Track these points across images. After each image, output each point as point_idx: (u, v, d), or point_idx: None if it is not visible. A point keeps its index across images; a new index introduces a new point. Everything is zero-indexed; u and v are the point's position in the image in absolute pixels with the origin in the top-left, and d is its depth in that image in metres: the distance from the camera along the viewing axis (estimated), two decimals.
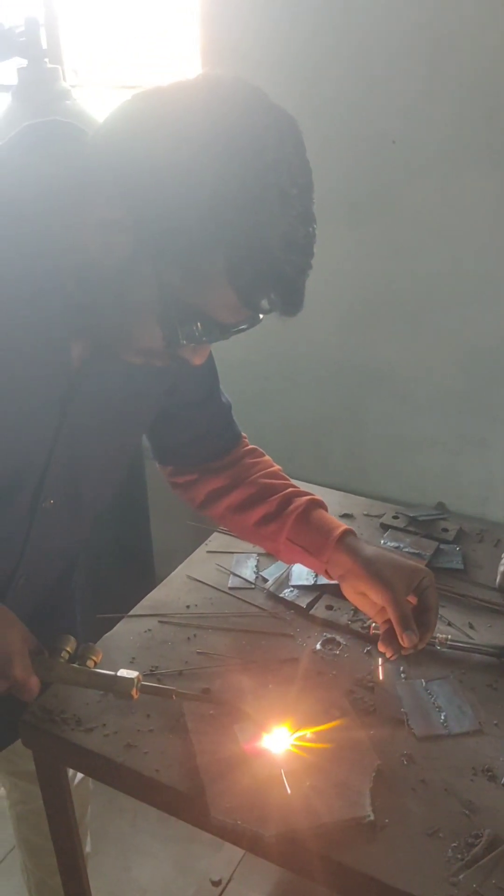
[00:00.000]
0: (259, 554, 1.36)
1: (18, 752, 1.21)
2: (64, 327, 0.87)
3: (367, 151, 1.51)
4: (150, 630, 1.18)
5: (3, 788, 1.45)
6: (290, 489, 1.18)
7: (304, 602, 1.24)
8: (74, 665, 0.94)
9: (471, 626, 1.20)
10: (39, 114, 0.89)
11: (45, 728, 1.01)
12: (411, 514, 1.49)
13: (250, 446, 1.26)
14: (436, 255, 1.52)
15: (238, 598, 1.26)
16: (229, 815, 0.87)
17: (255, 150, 0.74)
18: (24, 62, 1.62)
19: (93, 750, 0.98)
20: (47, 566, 1.10)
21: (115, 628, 1.18)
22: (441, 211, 1.49)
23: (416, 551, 1.37)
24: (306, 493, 1.17)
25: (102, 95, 1.92)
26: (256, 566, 1.34)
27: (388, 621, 1.02)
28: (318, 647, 1.16)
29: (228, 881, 1.68)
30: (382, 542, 1.41)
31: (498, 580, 1.29)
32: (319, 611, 1.23)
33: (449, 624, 1.20)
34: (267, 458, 1.25)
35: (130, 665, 1.09)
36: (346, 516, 1.49)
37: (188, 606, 1.24)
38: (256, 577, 1.31)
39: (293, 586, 1.28)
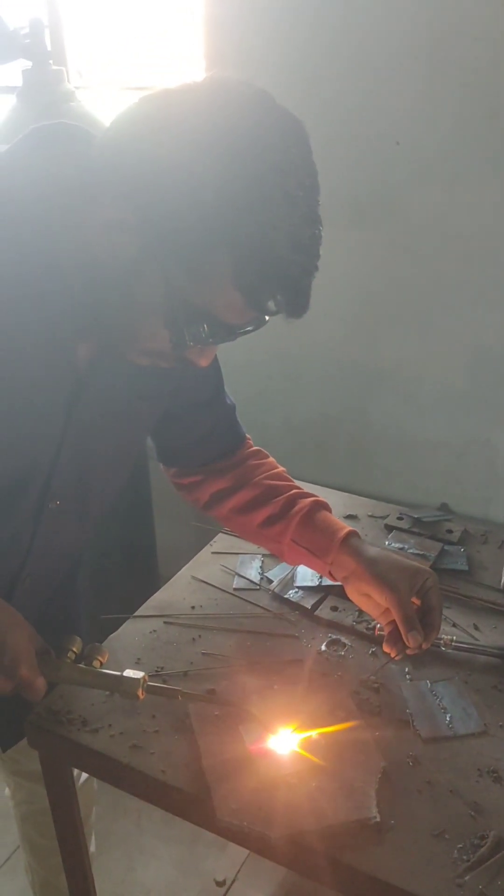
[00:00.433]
0: (264, 555, 1.36)
1: (23, 752, 1.22)
2: (69, 328, 0.87)
3: (371, 153, 1.51)
4: (155, 631, 1.18)
5: (7, 788, 1.45)
6: (295, 490, 1.18)
7: (308, 603, 1.24)
8: (81, 665, 0.94)
9: (475, 628, 1.20)
10: (44, 115, 0.90)
11: (50, 728, 1.01)
12: (415, 516, 1.49)
13: (255, 447, 1.26)
14: (440, 255, 1.52)
15: (243, 599, 1.26)
16: (235, 816, 0.87)
17: (261, 151, 0.74)
18: (28, 64, 1.62)
19: (99, 750, 0.98)
20: (53, 566, 1.10)
21: (120, 629, 1.19)
22: (445, 211, 1.49)
23: (421, 552, 1.37)
24: (311, 495, 1.17)
25: (107, 97, 1.92)
26: (261, 567, 1.34)
27: (393, 622, 1.02)
28: (324, 648, 1.16)
29: (233, 882, 1.69)
30: (387, 543, 1.41)
31: (502, 582, 1.29)
32: (324, 612, 1.23)
33: (453, 625, 1.20)
34: (271, 459, 1.25)
35: (136, 666, 1.10)
36: (350, 517, 1.50)
37: (193, 607, 1.24)
38: (261, 579, 1.31)
39: (298, 587, 1.28)
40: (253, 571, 1.33)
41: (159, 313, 0.81)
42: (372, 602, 1.06)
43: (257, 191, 0.74)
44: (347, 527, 1.11)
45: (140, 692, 0.92)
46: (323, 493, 1.22)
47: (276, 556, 1.26)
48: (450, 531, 1.45)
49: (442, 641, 1.12)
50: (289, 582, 1.29)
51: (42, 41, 1.62)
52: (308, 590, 1.27)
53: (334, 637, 1.18)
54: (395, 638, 1.01)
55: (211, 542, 1.42)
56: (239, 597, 1.27)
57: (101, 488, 1.05)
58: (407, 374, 1.64)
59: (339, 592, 1.19)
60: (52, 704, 1.03)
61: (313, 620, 1.21)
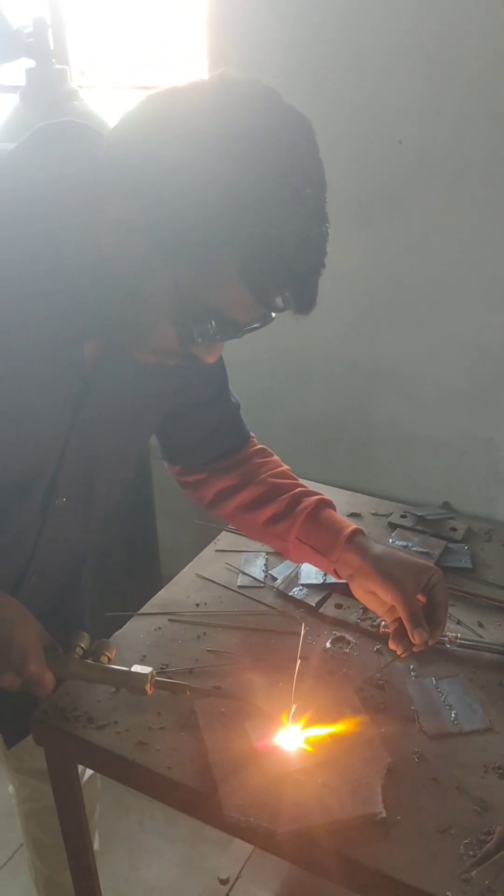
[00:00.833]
0: (268, 553, 1.36)
1: (28, 749, 1.22)
2: (76, 327, 0.87)
3: (374, 152, 1.52)
4: (160, 628, 1.18)
5: (11, 786, 1.45)
6: (299, 489, 1.19)
7: (313, 600, 1.25)
8: (88, 661, 0.94)
9: (480, 625, 1.20)
10: (47, 115, 0.90)
11: (56, 725, 1.01)
12: (419, 514, 1.49)
13: (259, 446, 1.26)
14: (443, 254, 1.52)
15: (247, 597, 1.27)
16: (242, 812, 0.88)
17: (268, 149, 0.74)
18: (31, 63, 1.63)
19: (105, 747, 0.98)
20: (59, 563, 1.10)
21: (125, 626, 1.19)
22: (448, 210, 1.49)
23: (425, 550, 1.37)
24: (315, 493, 1.18)
25: (110, 96, 1.93)
26: (265, 565, 1.34)
27: (398, 619, 1.02)
28: (328, 645, 1.16)
29: (236, 879, 1.69)
30: (391, 541, 1.41)
31: None
32: (329, 609, 1.23)
33: (458, 623, 1.20)
34: (275, 457, 1.26)
35: (141, 662, 1.09)
36: (353, 515, 1.50)
37: (198, 605, 1.24)
38: (265, 576, 1.32)
39: (302, 585, 1.28)
40: (257, 569, 1.33)
41: (167, 311, 0.81)
42: (377, 599, 1.06)
43: (265, 188, 0.74)
44: (352, 525, 1.11)
45: (148, 687, 0.93)
46: (326, 492, 1.23)
47: (280, 554, 1.27)
48: (453, 529, 1.45)
49: (447, 638, 1.12)
50: (293, 579, 1.29)
51: (45, 40, 1.62)
52: (312, 587, 1.27)
53: (339, 634, 1.18)
54: (401, 635, 1.01)
55: (215, 540, 1.42)
56: (243, 594, 1.27)
57: (107, 485, 1.05)
58: (409, 373, 1.65)
59: (344, 590, 1.19)
60: (58, 701, 1.03)
61: (318, 618, 1.22)
